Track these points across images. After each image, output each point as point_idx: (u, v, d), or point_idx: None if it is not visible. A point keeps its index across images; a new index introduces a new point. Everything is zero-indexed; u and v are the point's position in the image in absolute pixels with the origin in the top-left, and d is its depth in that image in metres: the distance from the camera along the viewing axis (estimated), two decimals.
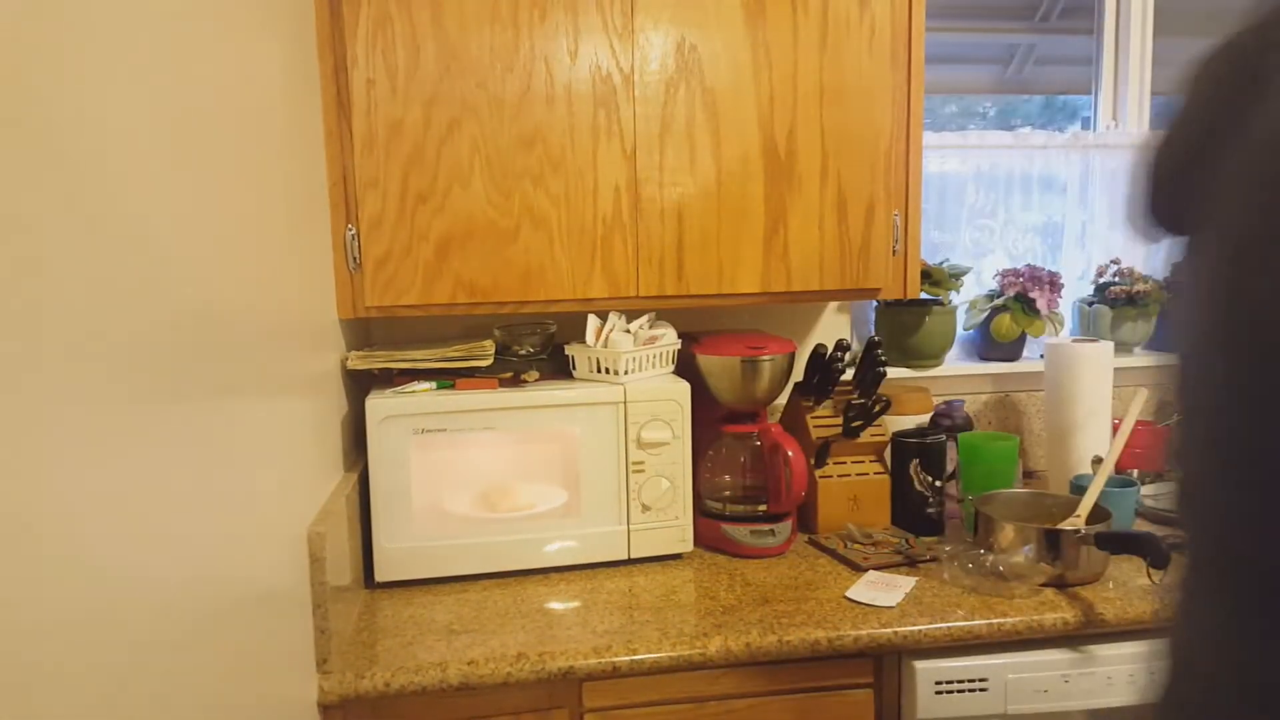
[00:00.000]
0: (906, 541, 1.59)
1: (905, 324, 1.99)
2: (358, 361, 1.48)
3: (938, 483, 1.67)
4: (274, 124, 1.10)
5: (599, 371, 1.56)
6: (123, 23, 0.67)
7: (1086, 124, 2.24)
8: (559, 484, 1.53)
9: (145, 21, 0.71)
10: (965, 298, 2.10)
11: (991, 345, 2.09)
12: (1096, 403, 1.80)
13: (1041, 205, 2.19)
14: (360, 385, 1.59)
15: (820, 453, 1.69)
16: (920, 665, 1.33)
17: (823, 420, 1.72)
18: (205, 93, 0.85)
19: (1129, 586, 1.42)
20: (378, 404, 1.44)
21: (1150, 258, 2.24)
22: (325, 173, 1.41)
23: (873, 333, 2.07)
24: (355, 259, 1.44)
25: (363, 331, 1.72)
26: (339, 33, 1.40)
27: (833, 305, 2.00)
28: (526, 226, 1.48)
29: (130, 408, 0.65)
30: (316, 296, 1.31)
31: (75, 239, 0.59)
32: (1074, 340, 1.84)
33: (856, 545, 1.59)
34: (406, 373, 1.54)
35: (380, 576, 1.46)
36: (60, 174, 0.57)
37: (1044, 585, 1.42)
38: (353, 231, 1.44)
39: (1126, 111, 2.19)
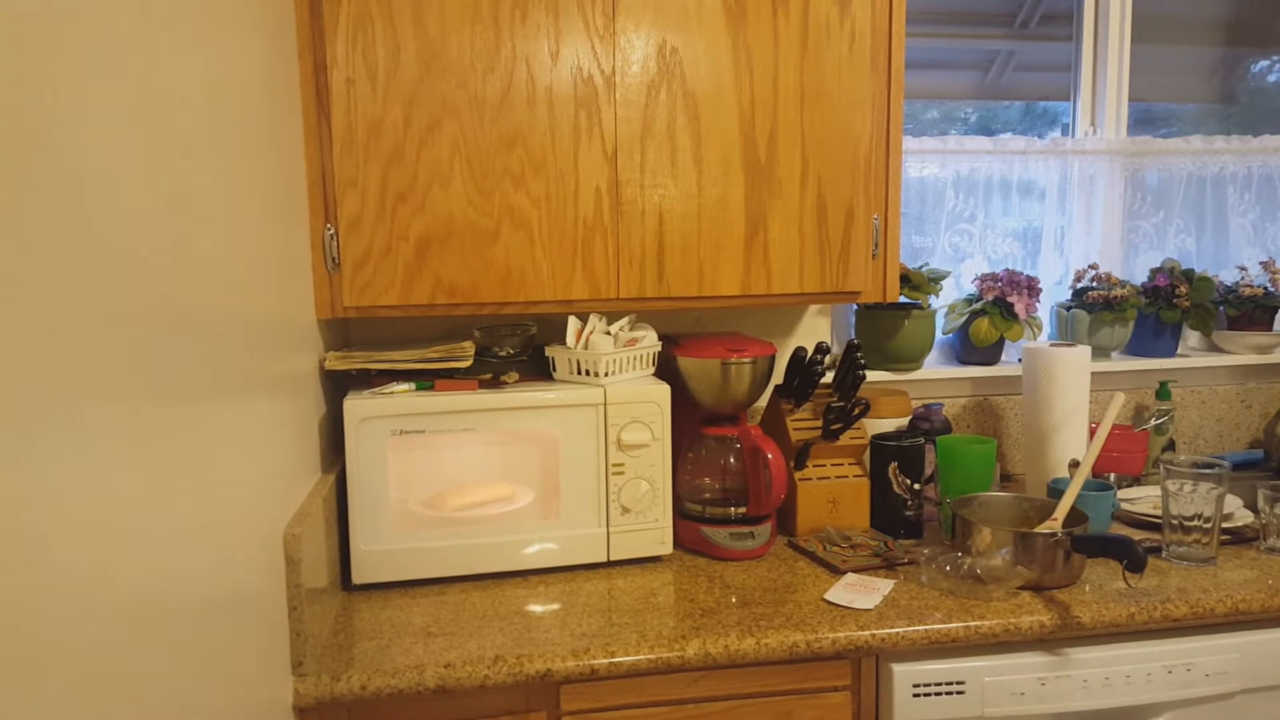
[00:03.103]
0: (885, 544, 1.60)
1: (884, 327, 2.00)
2: (336, 362, 1.47)
3: (916, 486, 1.68)
4: (252, 122, 1.09)
5: (579, 373, 1.55)
6: (96, 19, 0.67)
7: (1066, 130, 2.26)
8: (538, 486, 1.53)
9: (120, 17, 0.71)
10: (944, 302, 2.11)
11: (970, 349, 2.10)
12: (1074, 407, 1.81)
13: (1020, 210, 2.21)
14: (338, 386, 1.58)
15: (800, 455, 1.69)
16: (898, 668, 1.33)
17: (802, 423, 1.72)
18: (184, 92, 0.84)
19: (1105, 590, 1.43)
20: (356, 405, 1.43)
21: (1127, 264, 2.27)
22: (304, 172, 1.40)
23: (852, 336, 2.08)
24: (334, 259, 1.44)
25: (341, 332, 1.71)
26: (319, 31, 1.39)
27: (813, 308, 2.01)
28: (507, 227, 1.48)
29: (103, 408, 0.64)
30: (294, 297, 1.30)
31: (46, 239, 0.58)
32: (1052, 344, 1.85)
33: (835, 548, 1.60)
34: (385, 374, 1.53)
35: (357, 579, 1.45)
36: (29, 170, 0.56)
37: (1021, 588, 1.43)
38: (331, 231, 1.43)
39: (1105, 118, 2.22)
